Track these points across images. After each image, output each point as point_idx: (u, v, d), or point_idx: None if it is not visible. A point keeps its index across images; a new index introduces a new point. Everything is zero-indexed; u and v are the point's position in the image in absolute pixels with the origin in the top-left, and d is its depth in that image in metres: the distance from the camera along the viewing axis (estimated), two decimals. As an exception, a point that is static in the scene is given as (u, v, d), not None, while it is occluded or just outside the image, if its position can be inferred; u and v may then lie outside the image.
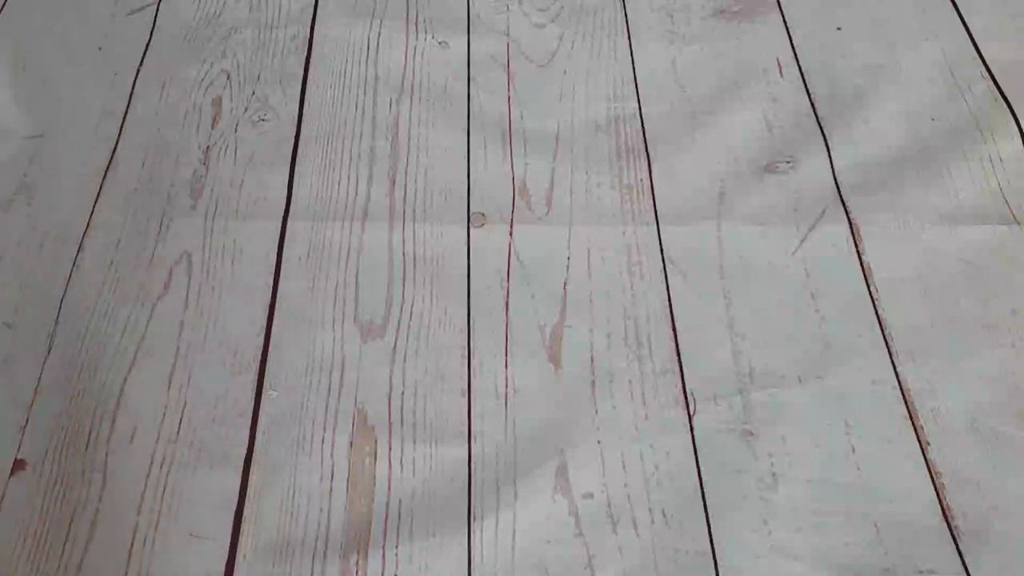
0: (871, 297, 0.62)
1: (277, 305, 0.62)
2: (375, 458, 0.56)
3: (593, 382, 0.59)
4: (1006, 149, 0.67)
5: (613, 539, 0.53)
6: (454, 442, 0.57)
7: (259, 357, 0.60)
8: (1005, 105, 0.70)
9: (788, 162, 0.68)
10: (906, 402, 0.58)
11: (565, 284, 0.63)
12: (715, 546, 0.53)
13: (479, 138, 0.69)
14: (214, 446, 0.56)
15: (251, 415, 0.58)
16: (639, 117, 0.71)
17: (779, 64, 0.74)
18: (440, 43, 0.75)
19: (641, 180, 0.68)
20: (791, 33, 0.76)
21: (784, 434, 0.57)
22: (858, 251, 0.64)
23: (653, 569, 0.52)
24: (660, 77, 0.74)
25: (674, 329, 0.61)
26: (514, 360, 0.60)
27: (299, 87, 0.73)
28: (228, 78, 0.73)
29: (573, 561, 0.53)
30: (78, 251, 0.65)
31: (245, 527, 0.54)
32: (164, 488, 0.55)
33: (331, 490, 0.55)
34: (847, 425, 0.57)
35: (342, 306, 0.62)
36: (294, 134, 0.70)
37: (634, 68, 0.74)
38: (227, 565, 0.52)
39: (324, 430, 0.57)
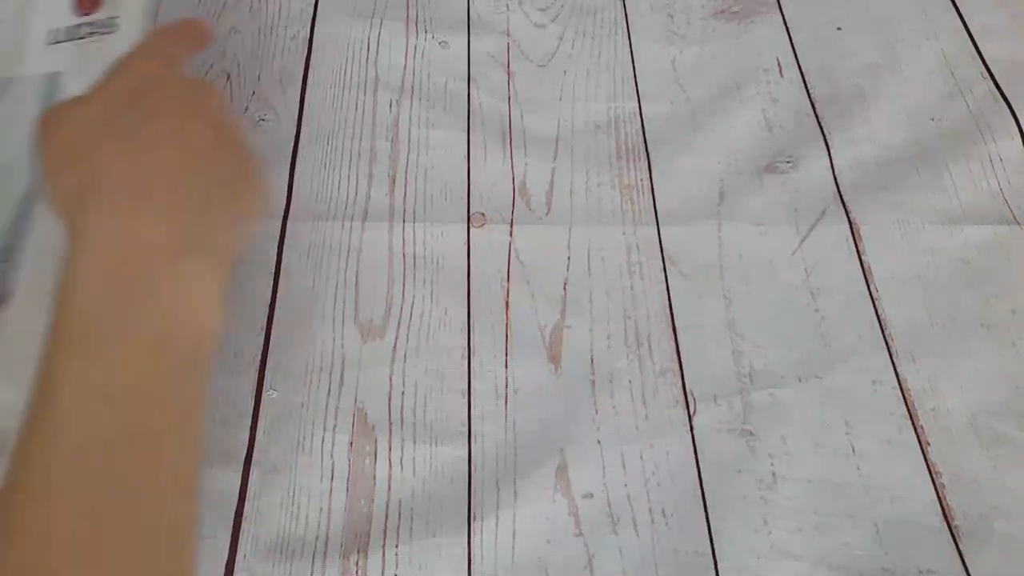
0: (871, 297, 0.62)
1: (277, 305, 0.62)
2: (375, 458, 0.56)
3: (593, 382, 0.59)
4: (1006, 149, 0.67)
5: (613, 539, 0.53)
6: (454, 442, 0.57)
7: (259, 357, 0.60)
8: (1005, 105, 0.70)
9: (788, 162, 0.68)
10: (906, 402, 0.58)
11: (565, 284, 0.63)
12: (715, 546, 0.53)
13: (479, 138, 0.69)
14: (214, 446, 0.56)
15: (251, 415, 0.58)
16: (639, 117, 0.71)
17: (779, 64, 0.74)
18: (440, 43, 0.75)
19: (641, 180, 0.68)
20: (791, 33, 0.76)
21: (784, 434, 0.57)
22: (858, 251, 0.64)
23: (653, 569, 0.52)
24: (660, 77, 0.74)
25: (674, 329, 0.61)
26: (514, 360, 0.60)
27: (299, 87, 0.73)
28: (228, 78, 0.73)
29: (573, 561, 0.53)
30: (78, 251, 0.65)
31: (245, 527, 0.54)
32: (164, 488, 0.55)
33: (331, 490, 0.55)
34: (847, 425, 0.57)
35: (342, 306, 0.62)
36: (294, 134, 0.70)
37: (634, 68, 0.74)
38: (227, 565, 0.52)
39: (324, 430, 0.57)
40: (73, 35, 0.60)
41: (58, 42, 0.60)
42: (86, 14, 0.61)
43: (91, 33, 0.60)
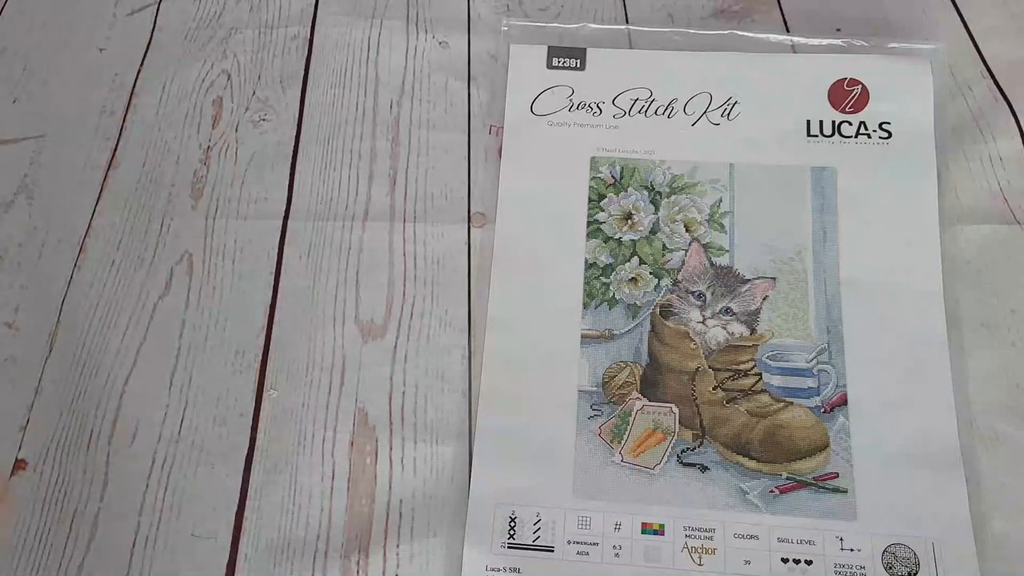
0: (871, 297, 0.62)
1: (277, 305, 0.62)
2: (376, 457, 0.56)
3: (593, 382, 0.59)
4: (1006, 149, 0.67)
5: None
6: (454, 442, 0.57)
7: (260, 357, 0.60)
8: (1005, 105, 0.70)
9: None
10: (906, 402, 0.58)
11: (565, 284, 0.63)
12: (715, 546, 0.53)
13: (479, 138, 0.69)
14: (215, 446, 0.57)
15: (252, 415, 0.58)
16: (639, 117, 0.71)
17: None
18: (440, 43, 0.75)
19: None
20: (791, 33, 0.76)
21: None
22: (858, 251, 0.64)
23: (653, 569, 0.52)
24: (660, 77, 0.73)
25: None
26: (514, 360, 0.60)
27: (299, 87, 0.73)
28: (228, 78, 0.73)
29: (573, 561, 0.53)
30: (79, 251, 0.65)
31: (246, 527, 0.54)
32: (165, 488, 0.55)
33: (332, 489, 0.55)
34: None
35: (342, 306, 0.62)
36: (294, 134, 0.70)
37: (634, 68, 0.74)
38: (228, 565, 0.52)
39: (325, 430, 0.57)
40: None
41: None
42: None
43: None
